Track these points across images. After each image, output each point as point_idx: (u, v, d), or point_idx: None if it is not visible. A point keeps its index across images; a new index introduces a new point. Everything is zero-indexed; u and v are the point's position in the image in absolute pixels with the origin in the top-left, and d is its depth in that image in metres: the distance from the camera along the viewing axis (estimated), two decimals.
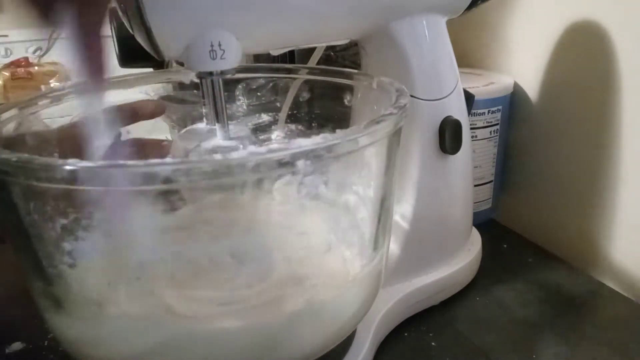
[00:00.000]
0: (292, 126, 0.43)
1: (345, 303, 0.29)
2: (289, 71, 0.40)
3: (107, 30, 0.64)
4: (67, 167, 0.19)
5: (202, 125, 0.33)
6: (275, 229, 0.33)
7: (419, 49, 0.38)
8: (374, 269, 0.30)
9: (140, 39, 0.29)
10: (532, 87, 0.54)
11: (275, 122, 0.44)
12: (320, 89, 0.40)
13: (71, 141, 0.28)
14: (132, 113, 0.36)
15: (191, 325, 0.25)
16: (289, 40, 0.36)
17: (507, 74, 0.56)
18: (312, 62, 0.43)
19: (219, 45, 0.29)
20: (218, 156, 0.20)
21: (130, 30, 0.29)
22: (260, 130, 0.43)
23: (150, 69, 0.61)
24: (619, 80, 0.45)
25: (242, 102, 0.45)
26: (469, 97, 0.43)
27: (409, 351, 0.38)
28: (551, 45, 0.51)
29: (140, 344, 0.25)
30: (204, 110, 0.33)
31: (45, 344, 0.38)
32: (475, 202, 0.53)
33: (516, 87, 0.55)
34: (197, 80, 0.31)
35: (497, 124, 0.53)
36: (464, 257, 0.45)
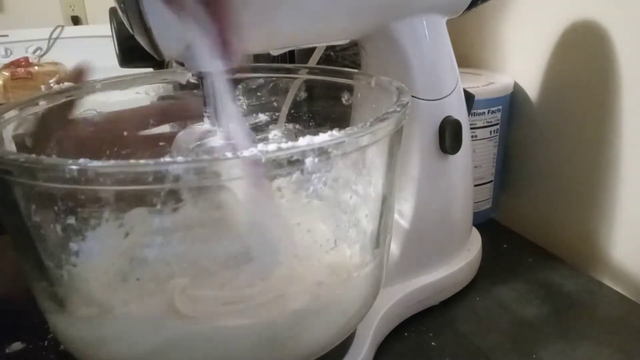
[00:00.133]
0: (290, 125, 0.43)
1: (349, 300, 0.29)
2: (289, 71, 0.40)
3: (107, 30, 0.64)
4: (74, 167, 0.19)
5: (202, 125, 0.33)
6: (282, 227, 0.33)
7: (419, 49, 0.38)
8: (376, 267, 0.30)
9: (140, 39, 0.29)
10: (532, 87, 0.54)
11: (272, 121, 0.44)
12: (318, 89, 0.40)
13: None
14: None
15: (195, 325, 0.25)
16: (289, 40, 0.36)
17: (507, 74, 0.56)
18: (312, 62, 0.43)
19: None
20: (229, 154, 0.20)
21: (130, 30, 0.29)
22: (257, 129, 0.43)
23: (150, 69, 0.61)
24: (619, 80, 0.45)
25: (242, 102, 0.45)
26: (469, 97, 0.43)
27: (409, 351, 0.38)
28: (551, 45, 0.51)
29: (144, 344, 0.25)
30: (204, 111, 0.33)
31: (45, 344, 0.38)
32: (475, 202, 0.53)
33: (516, 87, 0.55)
34: (194, 81, 0.31)
35: (497, 124, 0.53)
36: (464, 257, 0.45)
